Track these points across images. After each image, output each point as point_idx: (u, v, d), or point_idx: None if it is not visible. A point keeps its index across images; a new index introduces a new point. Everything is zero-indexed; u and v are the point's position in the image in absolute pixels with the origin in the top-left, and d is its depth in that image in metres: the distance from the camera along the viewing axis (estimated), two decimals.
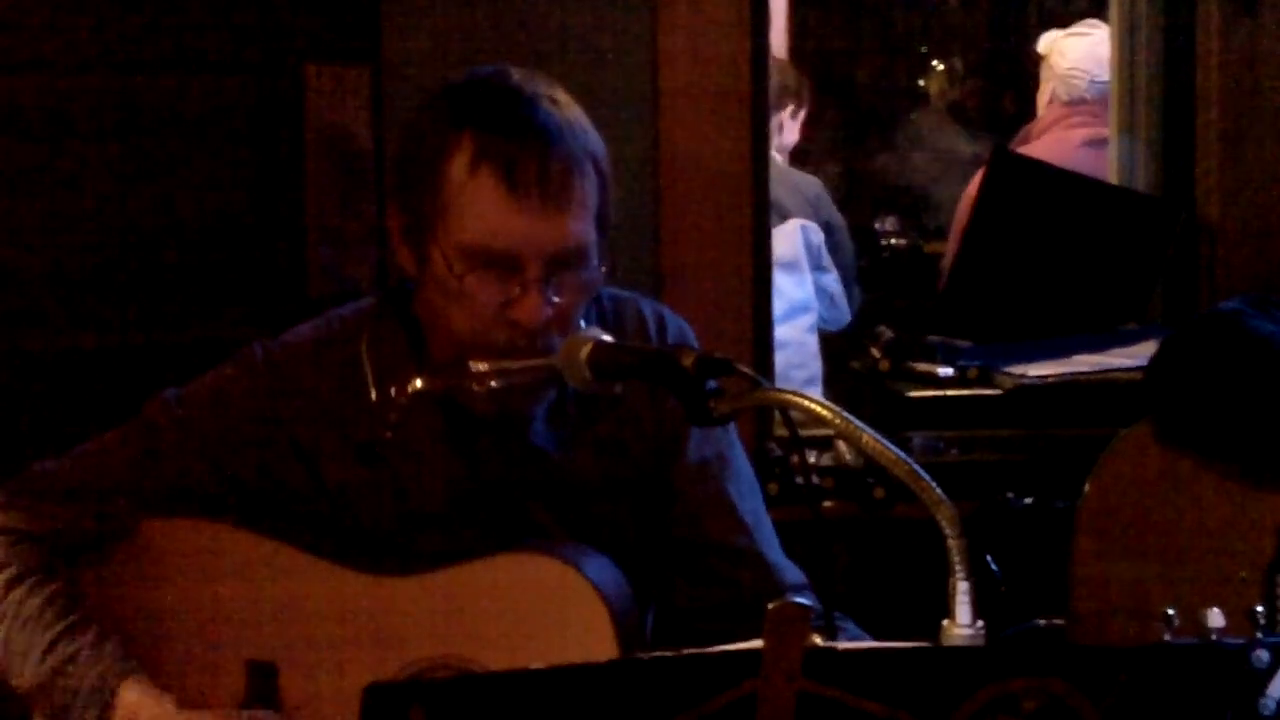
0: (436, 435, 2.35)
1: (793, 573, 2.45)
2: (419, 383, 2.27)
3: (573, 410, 2.39)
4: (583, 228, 2.24)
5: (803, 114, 5.75)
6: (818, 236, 5.34)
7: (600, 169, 2.28)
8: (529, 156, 2.21)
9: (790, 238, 5.24)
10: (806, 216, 5.34)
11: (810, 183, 5.60)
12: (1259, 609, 2.04)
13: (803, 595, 2.41)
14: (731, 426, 2.46)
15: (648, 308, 2.46)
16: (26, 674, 2.29)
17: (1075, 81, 5.08)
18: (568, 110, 2.28)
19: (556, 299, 2.23)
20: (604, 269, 2.29)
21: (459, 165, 2.23)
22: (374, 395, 2.34)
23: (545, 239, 2.21)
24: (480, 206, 2.22)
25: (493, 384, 2.22)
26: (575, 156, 2.24)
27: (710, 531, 2.43)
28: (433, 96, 2.33)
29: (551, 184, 2.21)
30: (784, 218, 5.17)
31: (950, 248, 5.14)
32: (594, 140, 2.29)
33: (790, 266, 5.20)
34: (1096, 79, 4.99)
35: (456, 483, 2.35)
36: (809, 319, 5.28)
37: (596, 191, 2.27)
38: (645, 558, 2.40)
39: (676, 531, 2.43)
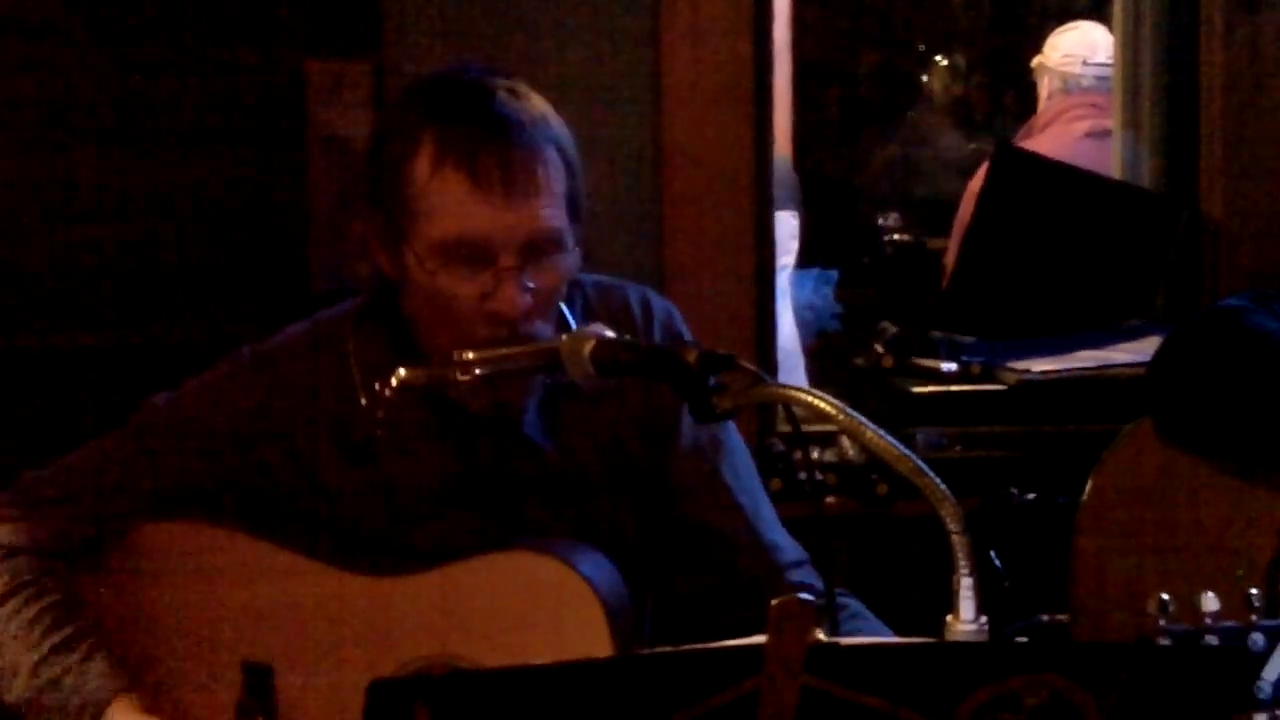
0: (428, 432, 2.35)
1: (792, 551, 2.44)
2: (402, 372, 2.26)
3: (564, 402, 2.38)
4: (551, 212, 2.25)
5: None
6: (795, 223, 5.34)
7: (566, 155, 2.29)
8: (490, 148, 2.22)
9: (781, 231, 5.23)
10: (787, 205, 5.33)
11: (784, 165, 5.58)
12: (1253, 591, 2.05)
13: (803, 571, 2.41)
14: None
15: (633, 293, 2.46)
16: (15, 691, 2.28)
17: (1070, 68, 5.11)
18: (527, 100, 2.29)
19: (532, 285, 2.23)
20: (579, 250, 2.30)
21: (422, 164, 2.25)
22: (362, 396, 2.34)
23: (515, 227, 2.22)
24: (446, 202, 2.23)
25: (478, 372, 2.22)
26: (536, 143, 2.25)
27: (707, 516, 2.43)
28: (395, 99, 2.37)
29: (515, 172, 2.22)
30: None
31: (953, 244, 5.15)
32: (557, 127, 2.30)
33: (779, 261, 5.20)
34: (1090, 60, 5.03)
35: (450, 478, 2.35)
36: (788, 310, 5.27)
37: (564, 177, 2.28)
38: (642, 548, 2.40)
39: (673, 517, 2.43)
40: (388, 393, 2.28)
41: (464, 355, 2.21)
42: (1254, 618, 2.04)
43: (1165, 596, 2.11)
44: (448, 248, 2.23)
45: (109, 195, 3.55)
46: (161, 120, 3.55)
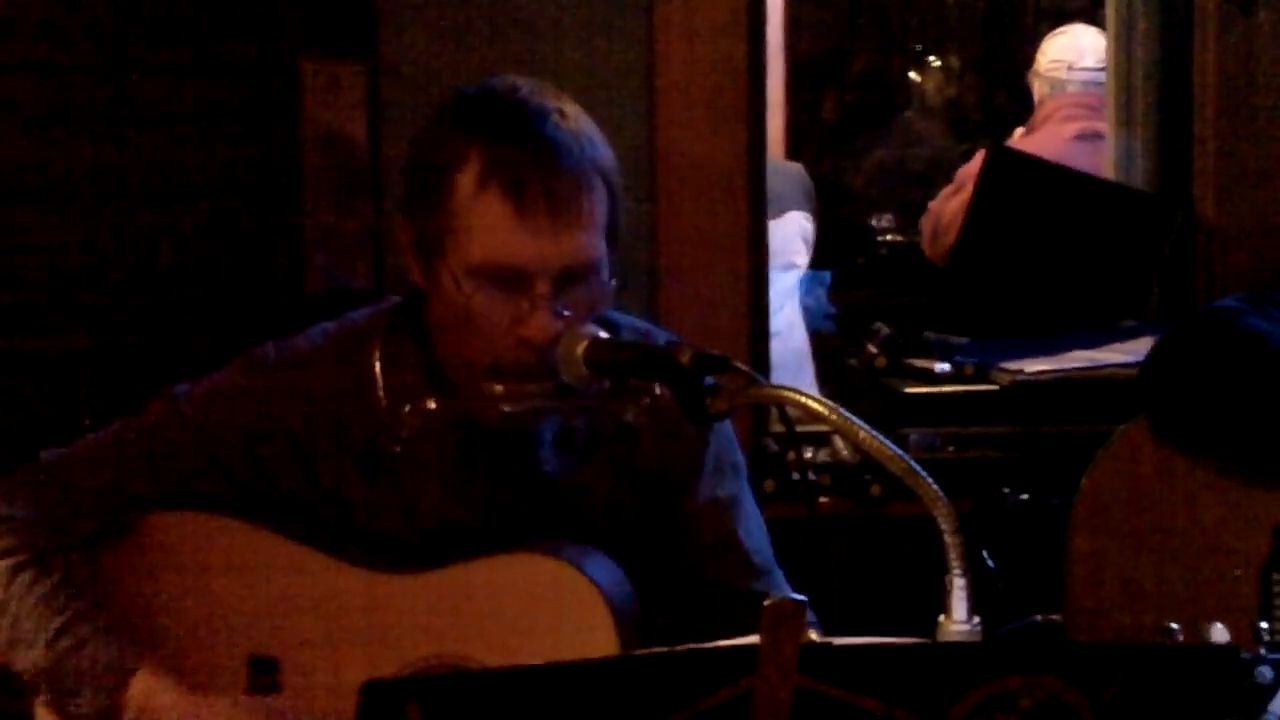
0: (444, 454, 2.34)
1: None
2: (432, 404, 2.27)
3: (581, 437, 2.38)
4: (591, 242, 2.22)
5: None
6: (810, 225, 5.36)
7: (609, 182, 2.26)
8: (536, 172, 2.19)
9: (791, 231, 5.25)
10: (803, 207, 5.35)
11: (799, 170, 5.60)
12: (1263, 625, 2.05)
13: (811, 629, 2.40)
14: (742, 467, 2.47)
15: (661, 340, 2.44)
16: (33, 657, 2.29)
17: (1056, 74, 5.16)
18: (576, 123, 2.25)
19: (566, 313, 2.20)
20: (614, 282, 2.27)
21: (466, 182, 2.21)
22: (384, 406, 2.34)
23: (553, 255, 2.19)
24: (488, 224, 2.20)
25: (506, 408, 2.22)
26: (583, 171, 2.22)
27: (720, 573, 2.42)
28: (441, 108, 2.31)
29: (559, 200, 2.19)
30: (781, 211, 5.18)
31: (929, 223, 5.17)
32: (603, 153, 2.26)
33: (790, 261, 5.22)
34: (1076, 66, 5.08)
35: (459, 504, 2.35)
36: (797, 311, 5.29)
37: (605, 205, 2.25)
38: (648, 584, 2.38)
39: (685, 571, 2.43)
40: (414, 418, 2.28)
41: (494, 389, 2.21)
42: (1261, 650, 2.04)
43: (1174, 626, 2.11)
44: (483, 270, 2.20)
45: (106, 196, 3.55)
46: (158, 120, 3.55)
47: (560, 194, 2.19)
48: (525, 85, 2.29)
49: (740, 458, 2.48)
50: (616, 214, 2.27)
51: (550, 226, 2.19)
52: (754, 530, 2.46)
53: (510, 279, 2.20)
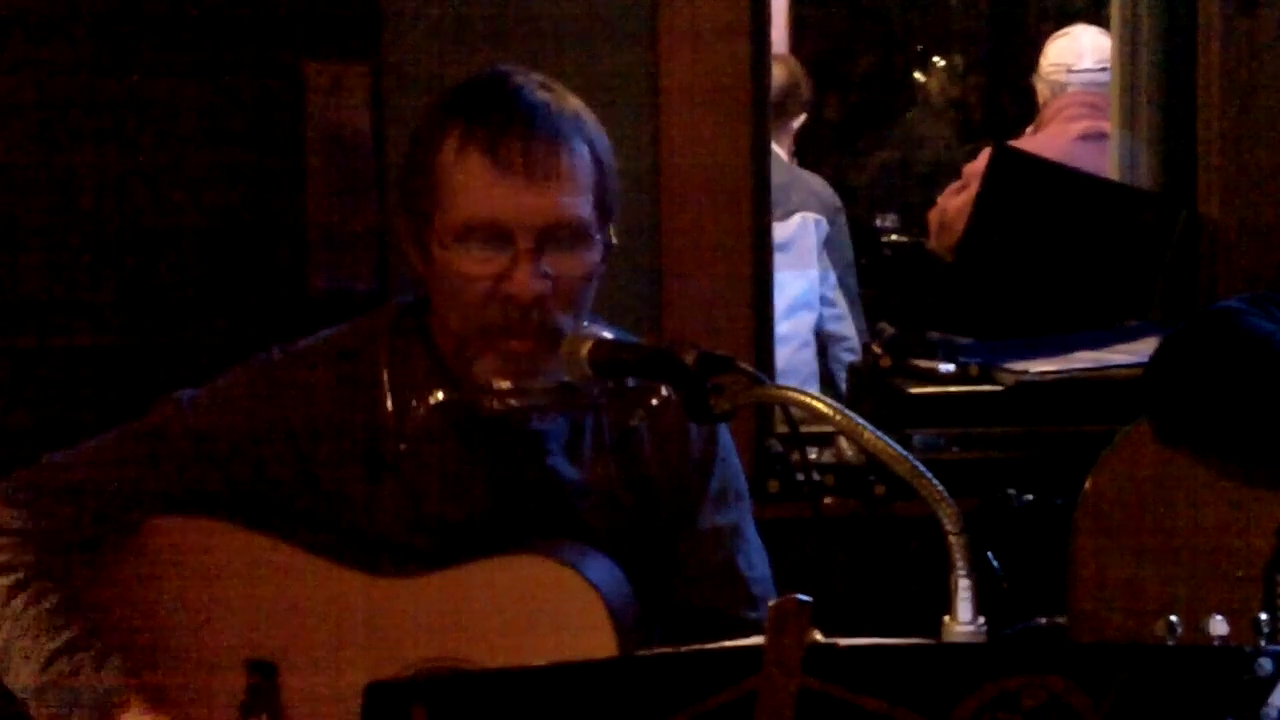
0: (446, 455, 2.35)
1: None
2: (440, 395, 2.27)
3: (587, 438, 2.39)
4: (573, 201, 2.24)
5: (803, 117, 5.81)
6: (821, 232, 5.35)
7: (597, 153, 2.28)
8: (512, 132, 2.23)
9: (793, 231, 5.25)
10: (816, 212, 5.35)
11: (820, 181, 5.61)
12: (1263, 616, 2.04)
13: None
14: (746, 496, 2.48)
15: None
16: (25, 678, 2.29)
17: (1056, 77, 5.19)
18: (559, 95, 2.29)
19: (551, 272, 2.22)
20: (605, 252, 2.29)
21: (447, 152, 2.25)
22: (390, 409, 2.34)
23: (532, 209, 2.22)
24: (468, 184, 2.23)
25: (512, 402, 2.23)
26: (563, 132, 2.25)
27: (718, 601, 2.42)
28: (431, 104, 2.34)
29: (535, 154, 2.22)
30: (788, 212, 5.18)
31: (936, 217, 5.18)
32: (590, 125, 2.30)
33: (796, 261, 5.22)
34: (1074, 68, 5.11)
35: (460, 505, 2.35)
36: (812, 315, 5.29)
37: (590, 169, 2.27)
38: (649, 586, 2.38)
39: (683, 596, 2.43)
40: (422, 411, 2.29)
41: (501, 384, 2.21)
42: (1262, 642, 2.03)
43: (1174, 619, 2.11)
44: (468, 228, 2.23)
45: (108, 195, 3.55)
46: (161, 120, 3.55)
47: (536, 149, 2.23)
48: (509, 68, 2.33)
49: (745, 486, 2.49)
50: (605, 186, 2.29)
51: (527, 180, 2.22)
52: (754, 560, 2.47)
53: (492, 235, 2.22)
